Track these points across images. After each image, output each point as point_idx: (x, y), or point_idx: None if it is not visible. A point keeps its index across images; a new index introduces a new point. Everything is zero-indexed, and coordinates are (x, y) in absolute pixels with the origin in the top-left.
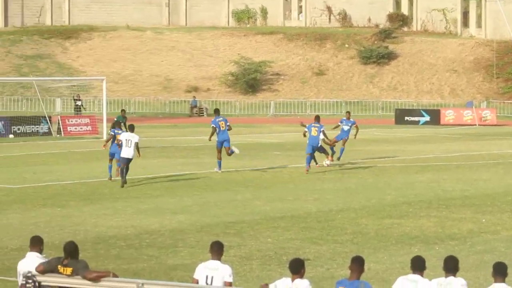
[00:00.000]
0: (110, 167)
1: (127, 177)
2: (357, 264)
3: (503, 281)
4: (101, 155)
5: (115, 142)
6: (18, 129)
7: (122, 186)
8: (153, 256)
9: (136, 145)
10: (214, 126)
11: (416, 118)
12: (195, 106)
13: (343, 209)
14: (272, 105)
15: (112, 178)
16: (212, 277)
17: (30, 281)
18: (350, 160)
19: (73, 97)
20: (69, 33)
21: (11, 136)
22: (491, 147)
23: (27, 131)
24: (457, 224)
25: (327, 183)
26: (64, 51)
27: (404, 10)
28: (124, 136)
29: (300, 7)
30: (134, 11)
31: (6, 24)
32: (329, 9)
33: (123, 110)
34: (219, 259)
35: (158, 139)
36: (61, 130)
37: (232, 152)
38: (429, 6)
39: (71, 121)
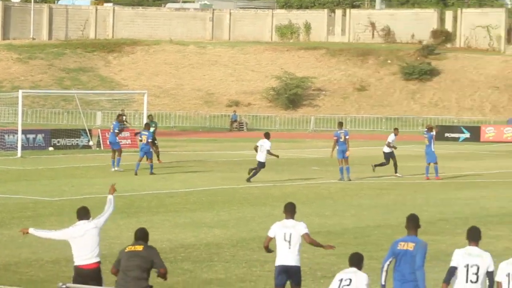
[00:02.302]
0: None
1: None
2: (413, 221)
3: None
4: (139, 170)
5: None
6: (58, 141)
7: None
8: (187, 270)
9: (268, 151)
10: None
11: (456, 135)
12: (235, 121)
13: (380, 225)
14: (312, 120)
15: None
16: (290, 234)
17: None
18: (389, 176)
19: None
20: (112, 46)
21: (50, 148)
22: None
23: (67, 144)
24: (493, 242)
25: (365, 199)
26: (107, 65)
27: (448, 26)
28: (259, 142)
29: (344, 22)
30: (178, 25)
31: (50, 37)
32: (372, 25)
33: (150, 116)
34: (293, 218)
35: (198, 153)
36: (101, 143)
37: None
38: (473, 22)
39: None
